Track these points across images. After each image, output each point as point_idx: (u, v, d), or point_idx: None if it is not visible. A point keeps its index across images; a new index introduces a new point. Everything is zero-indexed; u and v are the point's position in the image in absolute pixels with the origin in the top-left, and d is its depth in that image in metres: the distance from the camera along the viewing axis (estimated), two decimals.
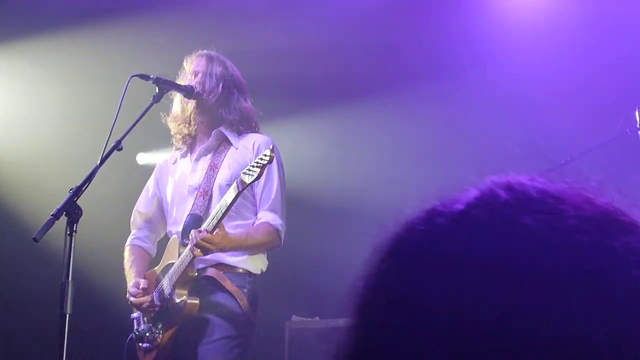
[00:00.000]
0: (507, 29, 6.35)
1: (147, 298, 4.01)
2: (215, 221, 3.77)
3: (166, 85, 3.99)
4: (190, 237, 3.82)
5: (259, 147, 4.15)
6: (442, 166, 6.74)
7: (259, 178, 3.68)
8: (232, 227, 3.99)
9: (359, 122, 6.85)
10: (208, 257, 3.91)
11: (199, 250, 3.78)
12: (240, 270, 4.03)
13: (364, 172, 6.90)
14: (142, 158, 7.17)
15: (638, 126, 5.24)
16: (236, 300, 3.95)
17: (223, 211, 3.75)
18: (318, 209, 6.87)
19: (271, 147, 3.72)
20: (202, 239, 3.74)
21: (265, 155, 3.66)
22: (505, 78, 6.37)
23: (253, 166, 3.68)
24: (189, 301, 3.92)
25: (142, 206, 4.40)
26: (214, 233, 3.77)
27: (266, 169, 3.74)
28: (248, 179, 3.66)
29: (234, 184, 3.74)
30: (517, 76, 6.36)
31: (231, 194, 3.74)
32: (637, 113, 5.25)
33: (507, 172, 0.85)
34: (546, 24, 6.28)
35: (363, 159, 6.96)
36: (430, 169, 6.70)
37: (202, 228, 3.82)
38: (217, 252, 3.85)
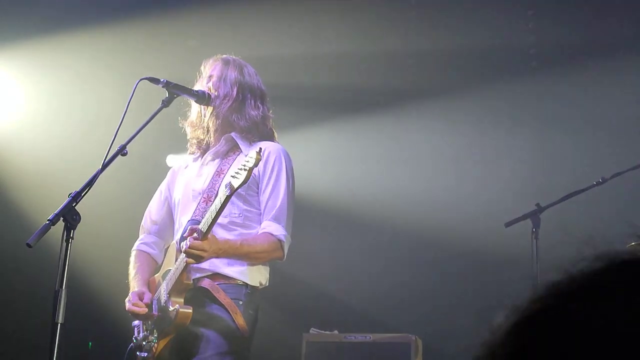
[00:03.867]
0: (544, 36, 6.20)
1: (144, 310, 3.90)
2: (205, 227, 3.64)
3: (176, 90, 3.89)
4: (181, 246, 3.72)
5: (268, 155, 4.02)
6: (457, 179, 6.63)
7: (247, 181, 3.53)
8: (235, 236, 3.88)
9: (374, 132, 6.77)
10: (206, 265, 3.79)
11: (191, 259, 3.67)
12: (238, 282, 3.89)
13: (383, 182, 6.79)
14: (172, 160, 7.12)
15: None
16: (230, 314, 3.81)
17: (213, 216, 3.62)
18: (339, 219, 6.75)
19: (258, 149, 3.56)
20: (190, 247, 3.63)
21: (251, 157, 3.51)
22: (534, 89, 6.23)
23: (240, 169, 3.54)
24: (181, 310, 3.80)
25: (153, 210, 4.31)
26: (203, 240, 3.65)
27: (273, 176, 3.62)
28: (236, 183, 3.53)
29: (224, 187, 3.60)
30: (548, 89, 6.21)
31: (221, 198, 3.61)
32: None
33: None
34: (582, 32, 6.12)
35: (384, 169, 6.86)
36: (443, 178, 6.60)
37: (192, 234, 3.70)
38: (211, 258, 3.73)
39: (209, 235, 3.66)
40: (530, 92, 6.47)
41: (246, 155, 3.99)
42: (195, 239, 3.63)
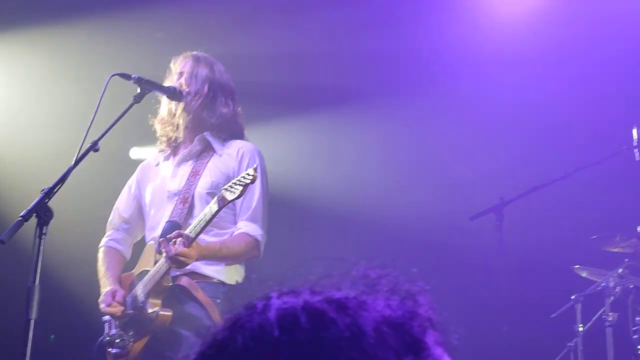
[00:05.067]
0: (501, 41, 6.27)
1: (119, 309, 3.91)
2: (193, 235, 3.67)
3: (148, 86, 3.88)
4: (165, 251, 3.72)
5: (242, 155, 4.05)
6: (429, 171, 6.70)
7: (241, 197, 3.58)
8: (210, 237, 3.90)
9: (345, 127, 6.81)
10: None
11: (175, 265, 3.69)
12: (215, 280, 3.93)
13: (353, 177, 6.84)
14: (136, 153, 7.09)
15: (635, 144, 5.17)
16: (207, 312, 3.84)
17: (202, 225, 3.65)
18: (308, 213, 6.78)
19: (255, 166, 3.60)
20: (178, 254, 3.64)
21: (249, 174, 3.55)
22: (499, 91, 6.30)
23: (235, 184, 3.57)
24: (161, 313, 3.82)
25: (122, 206, 4.30)
26: (188, 247, 3.67)
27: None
28: (229, 196, 3.57)
29: (215, 199, 3.63)
30: (512, 90, 6.29)
31: (212, 209, 3.64)
32: (634, 131, 5.18)
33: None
34: (542, 39, 6.20)
35: (353, 164, 6.91)
36: (419, 174, 6.66)
37: (178, 238, 3.71)
38: (193, 262, 3.76)
39: (193, 243, 3.68)
40: (494, 89, 6.54)
41: (220, 156, 4.02)
42: (182, 246, 3.65)
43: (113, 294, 3.95)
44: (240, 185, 3.56)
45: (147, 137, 4.34)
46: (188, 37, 5.79)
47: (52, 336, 6.08)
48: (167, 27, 6.36)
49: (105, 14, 6.05)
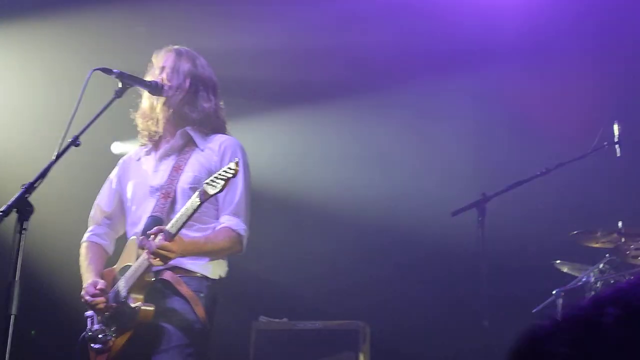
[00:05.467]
0: (487, 33, 6.29)
1: (102, 299, 3.89)
2: (174, 229, 3.66)
3: (130, 81, 3.86)
4: (146, 247, 3.71)
5: (224, 149, 4.04)
6: (412, 167, 6.72)
7: (222, 191, 3.57)
8: (192, 232, 3.89)
9: (329, 123, 6.82)
10: None
11: (157, 259, 3.68)
12: (198, 275, 3.93)
13: (333, 173, 6.85)
14: (118, 147, 7.07)
15: (616, 140, 5.21)
16: (191, 306, 3.84)
17: (184, 220, 3.63)
18: (287, 209, 6.79)
19: (236, 160, 3.58)
20: (159, 248, 3.63)
21: (230, 169, 3.53)
22: (482, 85, 6.32)
23: (217, 178, 3.55)
24: (143, 307, 3.80)
25: (104, 201, 4.29)
26: (171, 241, 3.66)
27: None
28: (211, 190, 3.55)
29: (197, 193, 3.62)
30: (495, 83, 6.31)
31: (193, 203, 3.63)
32: (615, 126, 5.21)
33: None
34: (526, 33, 6.22)
35: (333, 159, 6.91)
36: (402, 171, 6.68)
37: (159, 233, 3.70)
38: (177, 258, 3.75)
39: (176, 237, 3.67)
40: (474, 83, 6.56)
41: (202, 150, 4.01)
42: (163, 240, 3.64)
43: (94, 285, 3.94)
44: (222, 179, 3.55)
45: (129, 132, 4.32)
46: (171, 32, 5.78)
47: (33, 331, 6.06)
48: (149, 21, 6.34)
49: (86, 8, 6.02)
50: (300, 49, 6.33)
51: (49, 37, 6.09)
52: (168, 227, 3.68)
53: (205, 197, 3.58)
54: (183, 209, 3.68)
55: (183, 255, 3.77)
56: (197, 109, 4.08)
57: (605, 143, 5.25)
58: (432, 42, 6.36)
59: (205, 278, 3.94)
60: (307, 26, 6.24)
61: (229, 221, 3.95)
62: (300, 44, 6.29)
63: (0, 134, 6.18)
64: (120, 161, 4.39)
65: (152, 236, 3.69)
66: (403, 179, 6.74)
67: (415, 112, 6.71)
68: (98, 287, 3.92)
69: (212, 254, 3.93)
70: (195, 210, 3.63)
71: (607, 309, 1.01)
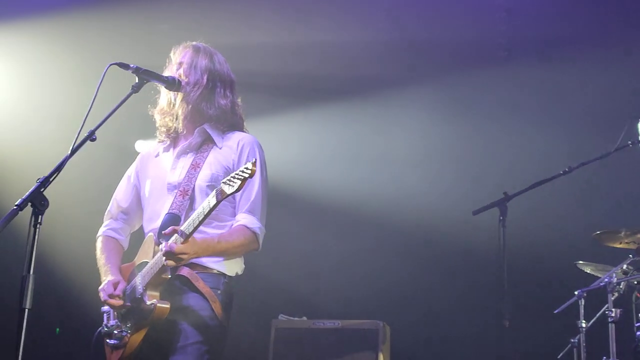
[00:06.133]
0: (509, 29, 6.24)
1: (119, 302, 3.89)
2: (191, 228, 3.64)
3: (146, 76, 3.85)
4: (160, 248, 3.70)
5: (242, 147, 4.03)
6: (432, 165, 6.67)
7: (239, 191, 3.54)
8: (210, 229, 3.87)
9: (346, 122, 6.79)
10: None
11: (171, 261, 3.67)
12: (215, 271, 3.91)
13: (354, 172, 6.82)
14: (142, 145, 7.08)
15: None
16: (208, 303, 3.82)
17: (200, 219, 3.61)
18: (309, 207, 6.77)
19: (254, 160, 3.56)
20: (172, 252, 3.62)
21: (247, 169, 3.50)
22: (504, 83, 6.27)
23: (234, 177, 3.52)
24: (159, 305, 3.79)
25: (121, 196, 4.29)
26: (185, 243, 3.65)
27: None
28: (228, 190, 3.52)
29: (214, 192, 3.60)
30: (518, 80, 6.26)
31: (210, 202, 3.60)
32: (639, 125, 5.16)
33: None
34: (548, 31, 6.17)
35: (354, 158, 6.88)
36: (423, 169, 6.64)
37: (173, 234, 3.69)
38: (191, 259, 3.74)
39: (190, 238, 3.66)
40: (499, 83, 6.52)
41: (220, 148, 4.00)
42: (177, 242, 3.63)
43: (115, 285, 3.93)
44: (238, 179, 3.52)
45: (153, 130, 4.31)
46: (193, 29, 5.77)
47: (58, 329, 6.08)
48: (171, 19, 6.35)
49: (109, 5, 6.04)
50: (319, 45, 6.31)
51: (71, 34, 6.12)
52: (183, 227, 3.67)
53: (221, 197, 3.56)
54: (199, 207, 3.66)
55: (198, 256, 3.75)
56: (214, 106, 4.07)
57: (630, 142, 5.21)
58: (455, 38, 6.32)
59: (222, 275, 3.92)
60: (330, 19, 6.22)
61: (245, 219, 3.93)
62: (319, 40, 6.27)
63: (19, 129, 6.21)
64: (139, 156, 4.39)
65: (168, 235, 3.68)
66: (424, 178, 6.70)
67: (436, 110, 6.66)
68: (117, 289, 3.91)
69: (226, 253, 3.90)
70: (211, 210, 3.61)
71: None
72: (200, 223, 3.63)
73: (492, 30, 6.47)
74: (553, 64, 6.27)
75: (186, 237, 3.63)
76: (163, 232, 3.74)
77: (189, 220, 3.68)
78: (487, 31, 6.46)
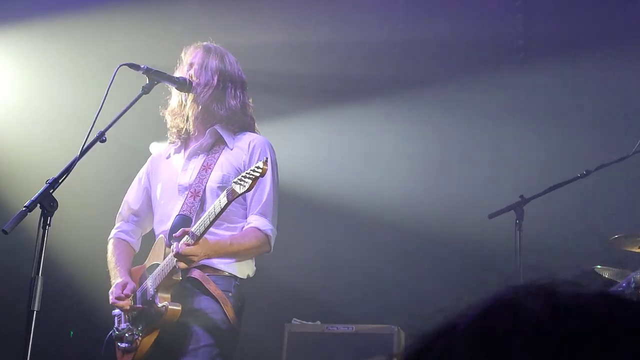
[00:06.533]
0: (526, 30, 6.18)
1: (127, 303, 3.86)
2: (202, 229, 3.60)
3: (157, 77, 3.84)
4: (171, 250, 3.68)
5: (254, 148, 4.00)
6: (447, 167, 6.62)
7: (250, 190, 3.51)
8: (221, 230, 3.84)
9: (359, 123, 6.74)
10: None
11: (182, 263, 3.64)
12: (226, 274, 3.88)
13: (366, 175, 6.77)
14: (156, 147, 7.06)
15: None
16: (220, 305, 3.79)
17: (211, 219, 3.58)
18: (322, 210, 6.72)
19: (265, 159, 3.52)
20: (183, 253, 3.59)
21: (258, 168, 3.47)
22: (520, 85, 6.22)
23: (245, 177, 3.49)
24: (170, 307, 3.76)
25: (132, 198, 4.27)
26: (195, 244, 3.62)
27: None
28: (239, 189, 3.49)
29: (224, 192, 3.56)
30: (536, 84, 6.20)
31: (221, 202, 3.57)
32: None
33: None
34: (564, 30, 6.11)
35: (369, 159, 6.83)
36: (427, 169, 6.58)
37: (184, 236, 3.66)
38: (202, 260, 3.71)
39: (201, 239, 3.62)
40: (515, 85, 6.46)
41: (231, 149, 3.97)
42: (187, 244, 3.60)
43: (123, 286, 3.91)
44: (249, 178, 3.49)
45: (166, 132, 4.29)
46: (207, 31, 5.75)
47: (72, 332, 6.07)
48: (186, 21, 6.33)
49: (121, 6, 6.03)
50: (333, 45, 6.28)
51: (83, 34, 6.11)
52: (194, 228, 3.64)
53: (232, 196, 3.53)
54: (210, 208, 3.63)
55: (209, 257, 3.73)
56: (225, 107, 4.04)
57: None
58: (471, 38, 6.27)
59: (234, 277, 3.89)
60: (344, 19, 6.19)
61: (256, 221, 3.90)
62: (333, 40, 6.24)
63: (27, 130, 6.20)
64: (150, 158, 4.38)
65: (179, 237, 3.66)
66: (439, 180, 6.64)
67: (453, 110, 6.60)
68: (125, 291, 3.88)
69: (238, 255, 3.87)
70: (222, 210, 3.58)
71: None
72: (212, 224, 3.60)
73: (508, 31, 6.42)
74: (570, 65, 6.21)
75: (197, 238, 3.60)
76: (174, 234, 3.71)
77: (200, 221, 3.65)
78: (503, 31, 6.41)
